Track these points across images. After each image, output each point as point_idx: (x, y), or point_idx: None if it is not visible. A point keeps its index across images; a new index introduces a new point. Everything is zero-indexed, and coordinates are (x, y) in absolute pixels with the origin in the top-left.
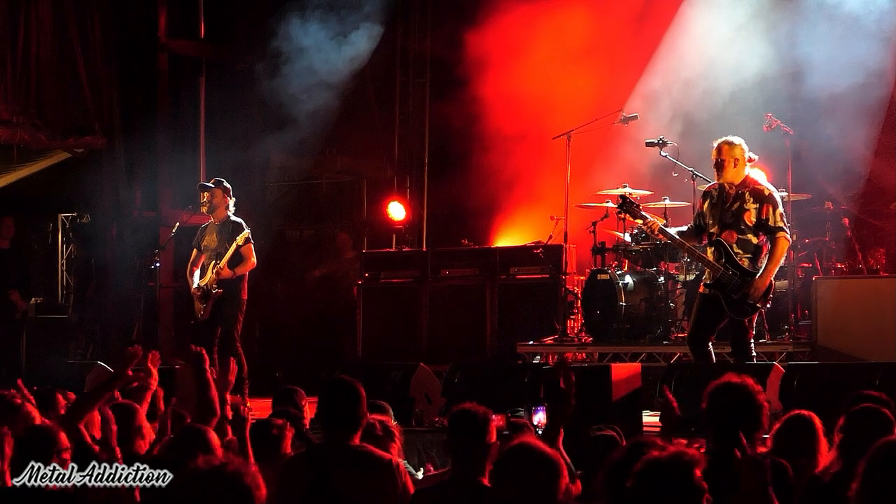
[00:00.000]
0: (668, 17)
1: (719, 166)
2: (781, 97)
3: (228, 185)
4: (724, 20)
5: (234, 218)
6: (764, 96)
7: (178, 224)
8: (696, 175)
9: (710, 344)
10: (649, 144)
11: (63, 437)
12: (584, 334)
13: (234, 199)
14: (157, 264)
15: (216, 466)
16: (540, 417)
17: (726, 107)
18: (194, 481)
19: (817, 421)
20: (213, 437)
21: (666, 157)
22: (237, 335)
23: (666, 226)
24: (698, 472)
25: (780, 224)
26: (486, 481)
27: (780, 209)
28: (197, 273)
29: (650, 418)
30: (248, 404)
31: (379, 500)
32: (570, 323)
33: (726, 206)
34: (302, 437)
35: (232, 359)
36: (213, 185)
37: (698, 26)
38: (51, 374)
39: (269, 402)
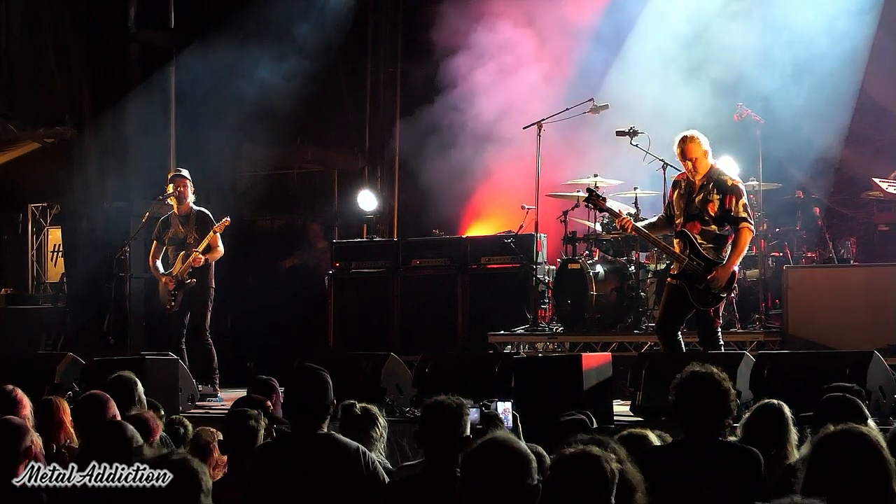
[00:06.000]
0: (640, 4)
1: (693, 164)
2: (752, 86)
3: (188, 174)
4: (696, 7)
5: (197, 207)
6: (734, 85)
7: (148, 214)
8: (667, 164)
9: (679, 333)
10: (620, 134)
11: (30, 436)
12: (555, 324)
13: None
14: (128, 255)
15: (162, 455)
16: (506, 406)
17: (696, 96)
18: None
19: (787, 410)
20: (130, 430)
21: (637, 146)
22: (206, 325)
23: (635, 215)
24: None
25: (744, 215)
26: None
27: (744, 200)
28: (160, 264)
29: (621, 407)
30: (220, 395)
31: (346, 486)
32: (541, 312)
33: (692, 196)
34: (274, 422)
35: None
36: (183, 175)
37: (670, 14)
38: (20, 365)
39: (239, 393)
